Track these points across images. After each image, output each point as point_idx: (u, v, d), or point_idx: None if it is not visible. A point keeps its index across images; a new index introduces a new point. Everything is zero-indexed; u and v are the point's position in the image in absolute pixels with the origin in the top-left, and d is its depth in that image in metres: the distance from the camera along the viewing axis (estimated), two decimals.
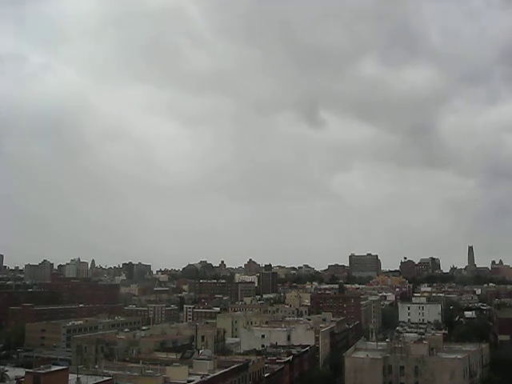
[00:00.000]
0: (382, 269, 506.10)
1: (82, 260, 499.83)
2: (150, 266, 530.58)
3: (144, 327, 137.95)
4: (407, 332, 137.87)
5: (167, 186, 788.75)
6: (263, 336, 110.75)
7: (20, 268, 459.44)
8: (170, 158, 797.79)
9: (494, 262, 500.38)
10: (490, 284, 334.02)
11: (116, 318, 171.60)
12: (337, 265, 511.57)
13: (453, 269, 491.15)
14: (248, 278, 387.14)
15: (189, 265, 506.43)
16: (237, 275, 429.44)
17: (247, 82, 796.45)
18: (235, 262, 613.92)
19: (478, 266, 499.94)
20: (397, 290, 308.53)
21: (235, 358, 77.37)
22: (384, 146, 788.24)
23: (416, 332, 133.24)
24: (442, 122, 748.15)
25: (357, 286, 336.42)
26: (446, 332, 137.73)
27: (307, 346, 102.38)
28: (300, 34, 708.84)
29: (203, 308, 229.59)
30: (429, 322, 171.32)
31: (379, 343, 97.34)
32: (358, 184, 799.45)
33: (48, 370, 46.31)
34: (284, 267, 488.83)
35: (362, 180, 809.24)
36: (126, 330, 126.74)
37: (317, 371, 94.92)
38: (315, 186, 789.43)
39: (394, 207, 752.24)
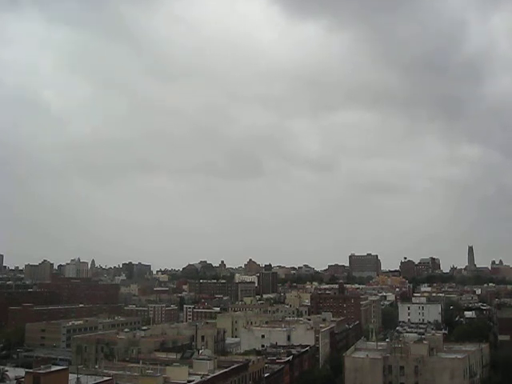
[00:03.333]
0: (382, 269, 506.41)
1: (81, 260, 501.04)
2: (149, 266, 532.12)
3: (144, 327, 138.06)
4: (407, 332, 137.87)
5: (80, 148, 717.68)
6: (263, 336, 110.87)
7: (20, 268, 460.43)
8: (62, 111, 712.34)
9: (493, 262, 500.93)
10: (490, 284, 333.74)
11: (116, 318, 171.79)
12: (337, 265, 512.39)
13: (453, 269, 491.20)
14: (248, 278, 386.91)
15: (189, 265, 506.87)
16: (237, 275, 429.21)
17: None
18: (235, 261, 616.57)
19: (477, 266, 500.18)
20: (397, 289, 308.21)
21: (235, 358, 77.51)
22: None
23: (416, 332, 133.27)
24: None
25: (357, 286, 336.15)
26: (446, 332, 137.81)
27: (307, 346, 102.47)
28: None
29: (203, 308, 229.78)
30: (429, 322, 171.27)
31: (379, 343, 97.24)
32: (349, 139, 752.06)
33: (48, 370, 46.38)
34: (284, 267, 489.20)
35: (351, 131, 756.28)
36: (126, 330, 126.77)
37: (317, 371, 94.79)
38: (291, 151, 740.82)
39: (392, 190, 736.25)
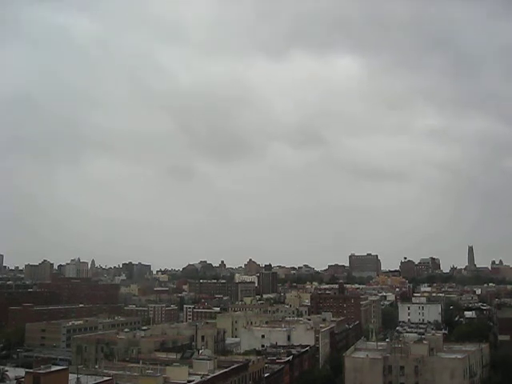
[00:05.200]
0: (382, 269, 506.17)
1: (82, 260, 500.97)
2: (149, 265, 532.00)
3: (144, 327, 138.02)
4: (407, 332, 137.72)
5: None
6: (263, 336, 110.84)
7: (20, 268, 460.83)
8: None
9: (493, 262, 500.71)
10: (490, 284, 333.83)
11: (116, 318, 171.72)
12: (337, 265, 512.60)
13: (453, 269, 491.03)
14: (248, 278, 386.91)
15: (189, 265, 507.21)
16: (237, 275, 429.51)
17: None
18: (235, 262, 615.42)
19: (478, 266, 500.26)
20: (397, 289, 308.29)
21: (235, 358, 77.47)
22: None
23: (416, 332, 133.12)
24: None
25: (357, 286, 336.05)
26: (446, 332, 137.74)
27: (307, 346, 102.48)
28: None
29: (203, 308, 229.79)
30: (429, 322, 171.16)
31: (379, 343, 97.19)
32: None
33: (48, 370, 46.39)
34: (284, 267, 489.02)
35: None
36: (126, 330, 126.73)
37: (317, 371, 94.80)
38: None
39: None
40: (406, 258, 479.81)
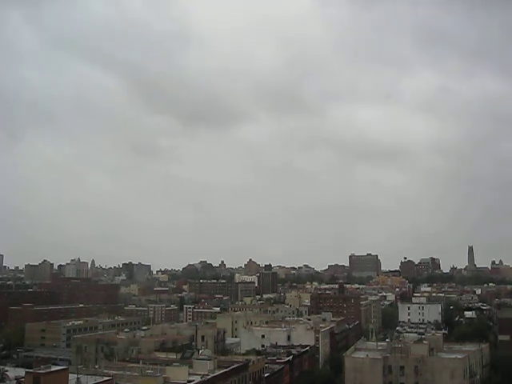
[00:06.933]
0: (382, 269, 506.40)
1: (81, 260, 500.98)
2: (149, 266, 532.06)
3: (144, 327, 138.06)
4: (407, 332, 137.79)
5: None
6: (263, 336, 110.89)
7: (20, 268, 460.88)
8: None
9: (493, 262, 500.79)
10: (490, 284, 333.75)
11: (116, 318, 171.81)
12: (337, 265, 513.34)
13: (453, 269, 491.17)
14: (248, 278, 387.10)
15: (189, 265, 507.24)
16: (237, 275, 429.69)
17: None
18: (235, 262, 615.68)
19: (478, 266, 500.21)
20: (397, 289, 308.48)
21: (235, 358, 77.49)
22: None
23: (416, 332, 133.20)
24: None
25: (357, 286, 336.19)
26: (446, 332, 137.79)
27: (307, 346, 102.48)
28: None
29: (203, 308, 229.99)
30: (429, 322, 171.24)
31: (379, 343, 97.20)
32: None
33: (48, 370, 46.38)
34: (284, 267, 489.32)
35: None
36: (126, 330, 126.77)
37: (317, 371, 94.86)
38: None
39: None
40: (405, 258, 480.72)
